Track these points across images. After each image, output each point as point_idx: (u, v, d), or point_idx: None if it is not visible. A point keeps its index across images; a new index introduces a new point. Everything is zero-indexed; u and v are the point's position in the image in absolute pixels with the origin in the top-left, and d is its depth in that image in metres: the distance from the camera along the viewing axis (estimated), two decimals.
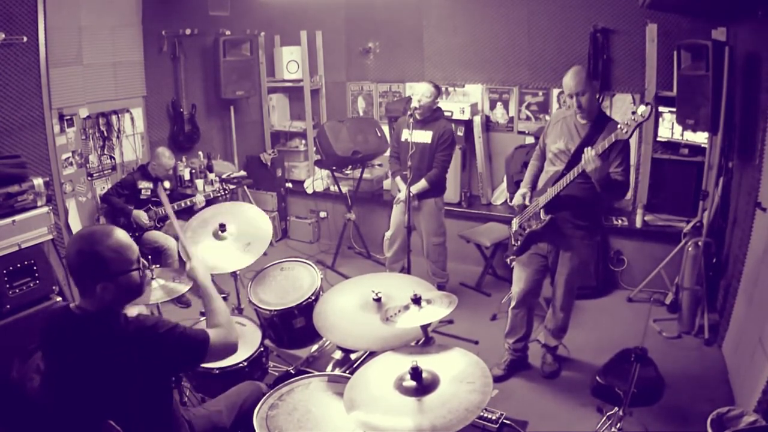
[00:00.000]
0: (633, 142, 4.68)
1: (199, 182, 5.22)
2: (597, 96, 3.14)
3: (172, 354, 1.82)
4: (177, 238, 4.27)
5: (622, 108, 4.72)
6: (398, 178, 4.38)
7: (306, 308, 2.99)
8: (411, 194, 4.14)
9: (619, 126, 2.80)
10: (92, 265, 1.76)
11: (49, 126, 4.17)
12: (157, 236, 4.45)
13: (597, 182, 2.95)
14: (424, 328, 2.17)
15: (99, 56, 4.51)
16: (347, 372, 2.69)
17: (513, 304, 3.47)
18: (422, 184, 4.22)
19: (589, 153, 2.87)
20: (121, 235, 1.82)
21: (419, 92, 4.12)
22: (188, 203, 4.60)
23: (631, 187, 4.75)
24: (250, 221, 3.19)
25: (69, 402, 1.81)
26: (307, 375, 2.37)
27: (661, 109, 4.53)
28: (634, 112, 2.74)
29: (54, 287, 3.49)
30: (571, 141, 3.14)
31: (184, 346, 1.84)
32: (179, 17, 5.23)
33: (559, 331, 3.56)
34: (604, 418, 2.78)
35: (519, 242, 3.37)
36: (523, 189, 3.38)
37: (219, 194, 4.77)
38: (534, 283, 3.41)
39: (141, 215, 4.46)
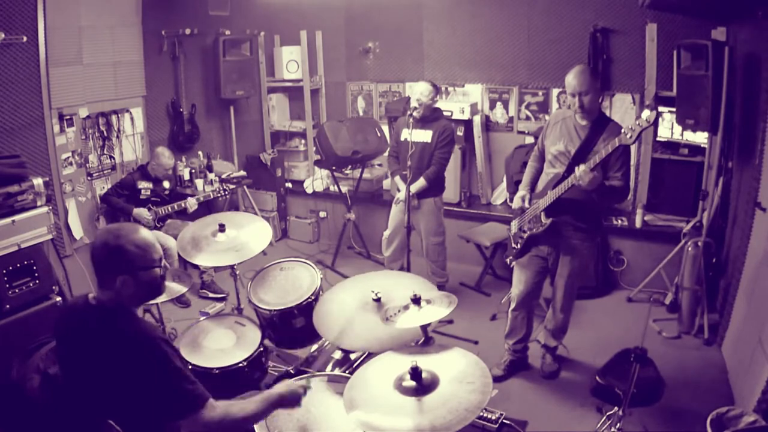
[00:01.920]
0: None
1: (199, 182, 5.22)
2: (599, 97, 3.11)
3: (150, 371, 1.74)
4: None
5: (621, 108, 4.73)
6: (398, 178, 4.38)
7: (306, 308, 2.99)
8: (410, 193, 4.15)
9: (623, 131, 2.78)
10: (115, 257, 1.80)
11: (49, 126, 4.17)
12: (158, 236, 4.45)
13: (593, 192, 2.97)
14: (424, 328, 2.17)
15: (99, 56, 4.51)
16: (347, 372, 2.69)
17: (513, 305, 3.47)
18: (421, 182, 4.22)
19: (580, 169, 2.87)
20: (146, 233, 1.87)
21: (417, 91, 4.12)
22: (180, 206, 4.60)
23: (631, 188, 4.76)
24: (250, 233, 3.22)
25: (70, 393, 1.82)
26: (306, 375, 2.37)
27: (661, 109, 4.53)
28: (638, 117, 2.73)
29: (54, 287, 3.49)
30: (571, 143, 3.13)
31: (172, 383, 1.75)
32: (179, 17, 5.23)
33: (559, 332, 3.56)
34: (604, 418, 2.78)
35: (519, 245, 3.35)
36: (522, 191, 3.36)
37: (219, 194, 4.77)
38: (534, 285, 3.41)
39: (142, 213, 4.46)
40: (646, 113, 2.70)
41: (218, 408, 1.79)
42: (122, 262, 1.80)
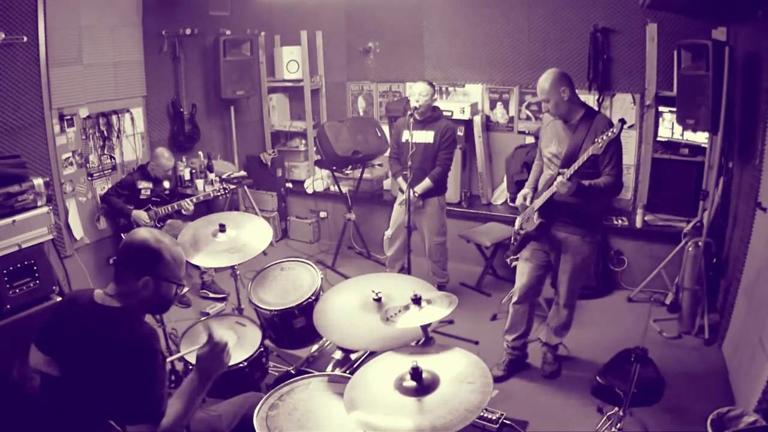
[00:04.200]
0: (633, 142, 4.70)
1: (199, 182, 5.22)
2: (564, 97, 3.11)
3: (127, 383, 1.76)
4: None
5: (622, 108, 4.73)
6: (400, 179, 4.37)
7: (306, 308, 2.99)
8: (416, 194, 4.16)
9: (596, 140, 2.91)
10: (149, 258, 1.87)
11: (49, 126, 4.16)
12: None
13: (573, 197, 3.03)
14: (424, 328, 2.17)
15: (99, 56, 4.51)
16: (347, 372, 2.69)
17: (515, 299, 3.48)
18: (426, 183, 4.23)
19: (557, 181, 3.00)
20: (182, 250, 1.99)
21: (416, 92, 4.12)
22: (175, 207, 4.58)
23: (630, 188, 4.77)
24: (251, 232, 3.21)
25: (70, 393, 1.82)
26: (307, 375, 2.37)
27: (661, 109, 4.54)
28: (612, 125, 2.93)
29: (54, 287, 3.49)
30: (560, 144, 3.19)
31: (142, 390, 1.77)
32: (179, 17, 5.23)
33: (562, 329, 3.56)
34: (604, 418, 2.79)
35: (516, 242, 3.44)
36: (526, 190, 3.43)
37: (219, 193, 4.76)
38: (536, 279, 3.43)
39: (141, 215, 4.45)
40: (615, 125, 2.90)
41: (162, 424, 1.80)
42: (153, 265, 1.87)
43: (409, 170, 3.84)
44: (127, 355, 1.76)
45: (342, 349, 2.90)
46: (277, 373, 3.02)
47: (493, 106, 5.30)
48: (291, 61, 5.89)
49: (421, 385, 1.86)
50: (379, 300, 2.44)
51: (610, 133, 2.86)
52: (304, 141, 6.17)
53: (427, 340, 2.18)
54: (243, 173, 5.54)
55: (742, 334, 3.36)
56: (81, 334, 1.82)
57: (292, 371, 2.84)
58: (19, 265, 3.27)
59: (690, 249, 3.94)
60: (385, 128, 5.32)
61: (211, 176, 5.27)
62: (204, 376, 1.91)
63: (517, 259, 3.52)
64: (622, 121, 2.92)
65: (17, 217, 3.28)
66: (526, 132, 5.17)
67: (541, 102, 3.17)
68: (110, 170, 4.76)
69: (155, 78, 5.09)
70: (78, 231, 4.47)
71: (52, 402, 1.84)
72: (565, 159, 3.11)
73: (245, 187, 5.54)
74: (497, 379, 3.49)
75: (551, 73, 3.11)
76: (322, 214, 5.95)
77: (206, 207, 5.13)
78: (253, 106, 6.19)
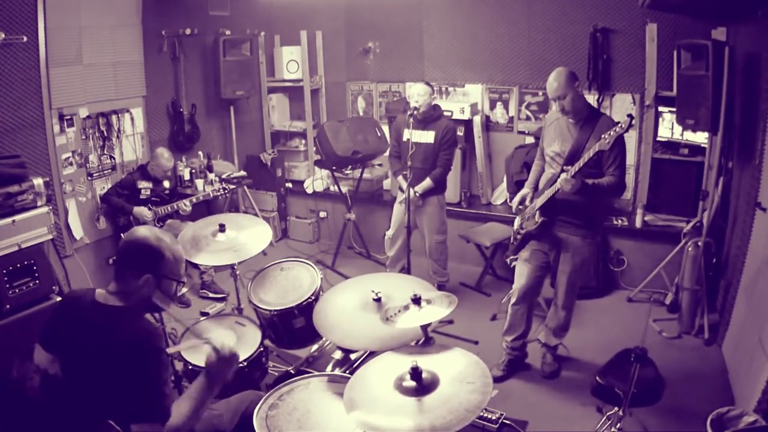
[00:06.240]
0: (632, 142, 4.69)
1: (199, 182, 5.22)
2: (579, 93, 3.10)
3: (131, 378, 1.77)
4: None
5: (622, 108, 4.73)
6: (401, 178, 4.37)
7: (306, 308, 2.99)
8: (417, 194, 4.16)
9: (602, 136, 2.89)
10: (150, 256, 1.89)
11: (49, 126, 4.16)
12: None
13: (577, 195, 3.03)
14: (424, 328, 2.17)
15: (99, 56, 4.51)
16: (347, 372, 2.69)
17: (513, 300, 3.48)
18: (427, 182, 4.24)
19: (561, 178, 3.00)
20: (182, 249, 2.02)
21: (415, 93, 4.11)
22: (173, 208, 4.58)
23: (630, 188, 4.77)
24: (250, 235, 3.21)
25: (70, 392, 1.82)
26: (307, 375, 2.37)
27: (661, 109, 4.53)
28: (618, 122, 2.88)
29: (54, 287, 3.49)
30: (564, 143, 3.18)
31: (145, 389, 1.77)
32: (179, 17, 5.23)
33: (561, 330, 3.56)
34: (604, 418, 2.78)
35: (516, 242, 3.44)
36: (525, 189, 3.43)
37: (218, 193, 4.76)
38: (535, 280, 3.42)
39: (142, 211, 4.45)
40: (623, 120, 2.86)
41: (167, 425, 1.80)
42: (154, 263, 1.88)
43: (410, 170, 3.85)
44: (130, 354, 1.76)
45: (342, 349, 2.91)
46: (276, 373, 3.02)
47: (492, 106, 5.30)
48: (291, 61, 5.90)
49: (421, 385, 1.86)
50: (378, 300, 2.44)
51: (618, 129, 2.84)
52: (303, 141, 6.17)
53: (427, 340, 2.18)
54: (243, 173, 5.54)
55: (742, 334, 3.36)
56: (83, 334, 1.82)
57: (291, 371, 2.85)
58: (18, 265, 3.26)
59: (690, 249, 3.94)
60: (385, 128, 5.32)
61: (211, 176, 5.26)
62: (213, 382, 1.91)
63: (516, 259, 3.52)
64: (630, 117, 2.87)
65: (17, 217, 3.28)
66: (526, 132, 5.17)
67: (554, 99, 3.11)
68: (110, 170, 4.76)
69: (155, 78, 5.08)
70: (78, 231, 4.47)
71: (52, 401, 1.84)
72: (568, 157, 3.11)
73: (245, 187, 5.54)
74: (497, 379, 3.49)
75: (563, 70, 3.08)
76: (322, 214, 5.95)
77: (206, 207, 5.13)
78: (253, 106, 6.19)
